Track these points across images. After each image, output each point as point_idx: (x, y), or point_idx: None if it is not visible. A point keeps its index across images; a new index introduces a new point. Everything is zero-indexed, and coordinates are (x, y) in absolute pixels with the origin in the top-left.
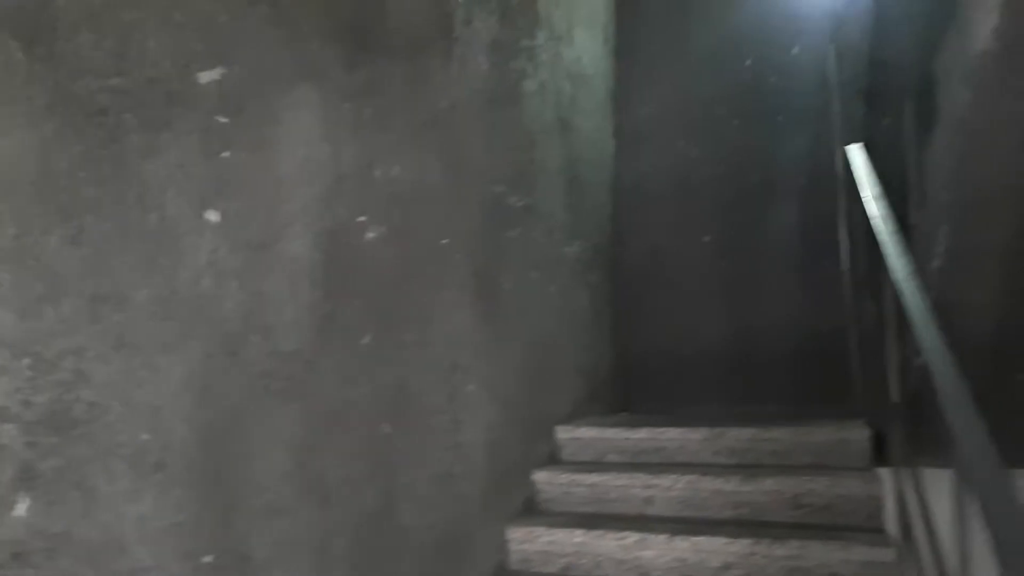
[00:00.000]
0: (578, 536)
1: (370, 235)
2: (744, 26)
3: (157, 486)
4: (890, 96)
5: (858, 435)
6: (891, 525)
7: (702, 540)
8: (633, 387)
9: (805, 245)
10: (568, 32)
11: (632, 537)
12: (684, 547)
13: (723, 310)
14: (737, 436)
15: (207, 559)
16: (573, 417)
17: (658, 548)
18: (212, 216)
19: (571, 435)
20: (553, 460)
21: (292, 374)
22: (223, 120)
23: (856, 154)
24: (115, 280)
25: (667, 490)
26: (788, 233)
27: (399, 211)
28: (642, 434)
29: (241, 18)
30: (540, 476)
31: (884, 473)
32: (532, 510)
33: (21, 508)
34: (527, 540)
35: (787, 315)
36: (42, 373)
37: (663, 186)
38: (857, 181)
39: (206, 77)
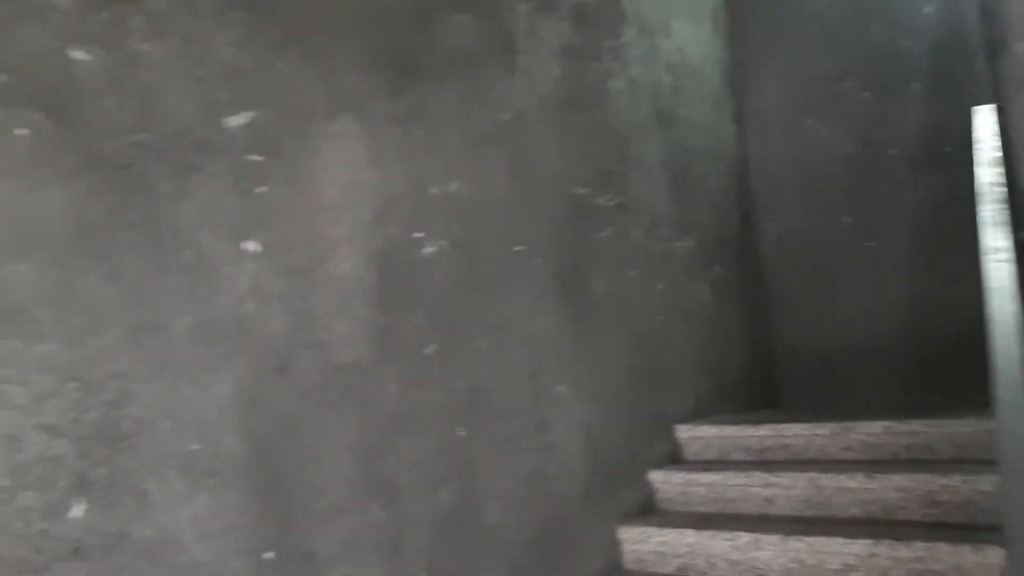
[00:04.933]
0: (689, 536)
1: (428, 250)
2: None
3: (211, 490)
4: None
5: None
6: None
7: (818, 540)
8: (777, 382)
9: (956, 220)
10: (665, 24)
11: (744, 537)
12: (799, 548)
13: (869, 294)
14: (868, 430)
15: (268, 555)
16: (698, 415)
17: (772, 549)
18: (251, 246)
19: (692, 434)
20: (674, 459)
21: (349, 385)
22: (256, 158)
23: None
24: (153, 310)
25: (788, 488)
26: (936, 208)
27: (460, 224)
28: (765, 431)
29: (268, 63)
30: (656, 476)
31: None
32: (649, 510)
33: (77, 510)
34: (639, 540)
35: (939, 297)
36: (88, 394)
37: (792, 169)
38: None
39: (234, 122)
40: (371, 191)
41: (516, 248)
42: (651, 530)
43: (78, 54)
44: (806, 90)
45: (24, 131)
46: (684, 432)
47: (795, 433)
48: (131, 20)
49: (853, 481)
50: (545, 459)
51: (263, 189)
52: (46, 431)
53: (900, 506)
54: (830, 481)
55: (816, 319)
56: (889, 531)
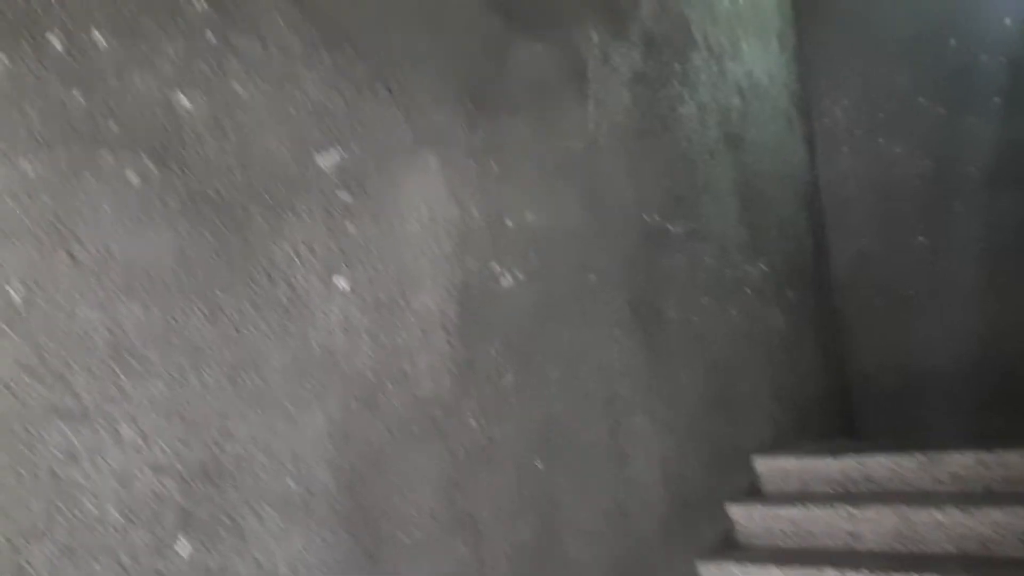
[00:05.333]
0: (773, 572)
1: (504, 281)
2: (942, 2)
3: (304, 525)
4: None
5: None
6: None
7: None
8: (855, 409)
9: None
10: (733, 47)
11: (830, 573)
12: None
13: (947, 317)
14: (959, 461)
15: None
16: (776, 446)
17: None
18: (341, 282)
19: (770, 465)
20: (753, 492)
21: (432, 417)
22: (344, 195)
23: None
24: (250, 348)
25: (875, 522)
26: (1016, 227)
27: (535, 254)
28: (847, 462)
29: (355, 101)
30: (735, 510)
31: None
32: (730, 545)
33: (182, 548)
34: None
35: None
36: (192, 432)
37: (866, 189)
38: None
39: (324, 160)
40: (451, 224)
41: (589, 277)
42: (732, 566)
43: (182, 100)
44: (878, 107)
45: (134, 177)
46: (762, 463)
47: (880, 464)
48: (229, 64)
49: (944, 515)
50: (623, 492)
51: (351, 225)
52: (154, 469)
53: (997, 541)
54: (920, 515)
55: (893, 343)
56: (986, 568)
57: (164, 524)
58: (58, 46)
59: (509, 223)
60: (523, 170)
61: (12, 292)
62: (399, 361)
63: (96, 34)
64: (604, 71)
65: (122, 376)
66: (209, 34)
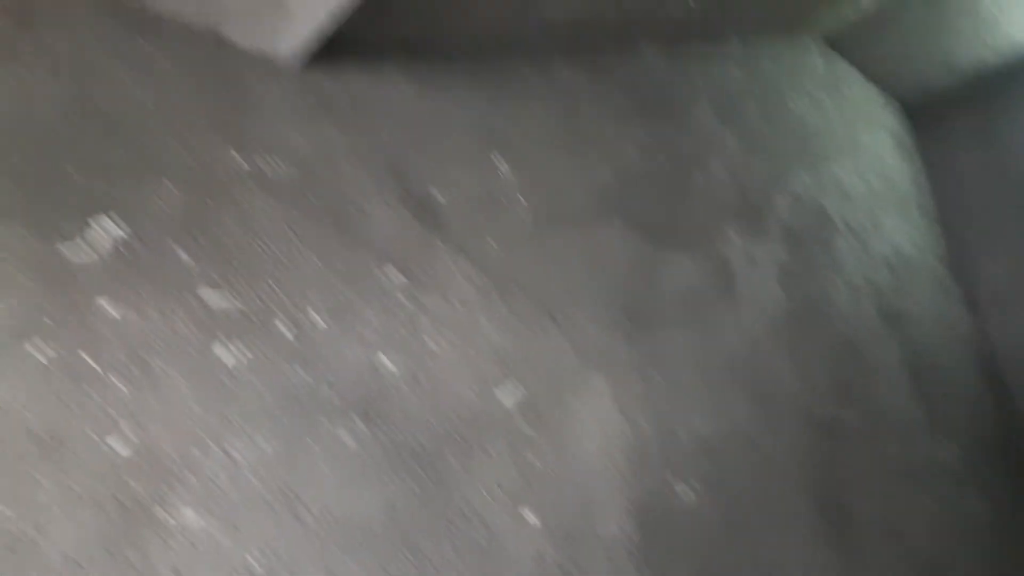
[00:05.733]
0: None
1: (684, 496)
2: None
3: None
4: None
5: None
6: None
7: None
8: None
9: None
10: (874, 224)
11: None
12: None
13: None
14: None
15: None
16: None
17: None
18: (530, 517)
19: None
20: None
21: None
22: (526, 429)
23: None
24: None
25: None
26: None
27: (711, 463)
28: None
29: (528, 338)
30: None
31: None
32: None
33: None
34: None
35: None
36: None
37: None
38: None
39: (506, 396)
40: (624, 442)
41: (768, 482)
42: None
43: (384, 361)
44: None
45: (348, 437)
46: None
47: None
48: (420, 322)
49: None
50: None
51: (534, 457)
52: None
53: None
54: None
55: None
56: None
57: None
58: (285, 331)
59: (680, 433)
60: (687, 378)
61: (253, 562)
62: None
63: (313, 315)
64: (751, 270)
65: None
66: (402, 299)
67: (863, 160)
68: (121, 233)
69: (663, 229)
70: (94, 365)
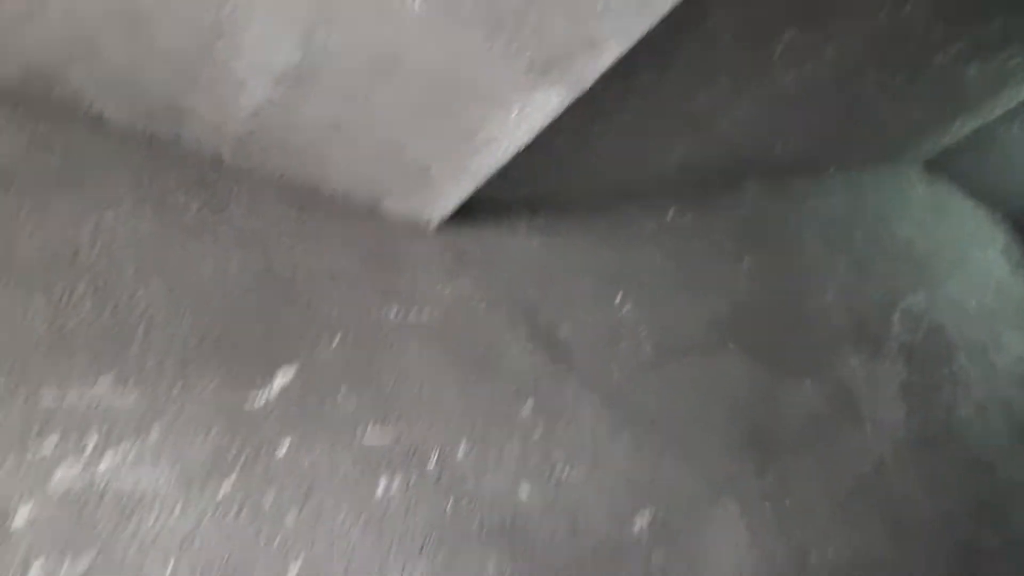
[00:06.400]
0: None
1: None
2: None
3: None
4: None
5: None
6: None
7: None
8: None
9: None
10: (994, 339)
11: None
12: None
13: None
14: None
15: None
16: None
17: None
18: None
19: None
20: None
21: None
22: (658, 556)
23: None
24: None
25: None
26: None
27: None
28: None
29: (655, 466)
30: None
31: None
32: None
33: None
34: None
35: None
36: None
37: None
38: None
39: (637, 524)
40: (757, 570)
41: None
42: None
43: (522, 491)
44: None
45: (491, 567)
46: None
47: None
48: (554, 453)
49: None
50: None
51: None
52: None
53: None
54: None
55: None
56: None
57: None
58: (434, 464)
59: (813, 559)
60: (817, 504)
61: None
62: None
63: (459, 448)
64: (872, 391)
65: None
66: (538, 431)
67: (976, 277)
68: (297, 382)
69: (781, 356)
70: (270, 500)
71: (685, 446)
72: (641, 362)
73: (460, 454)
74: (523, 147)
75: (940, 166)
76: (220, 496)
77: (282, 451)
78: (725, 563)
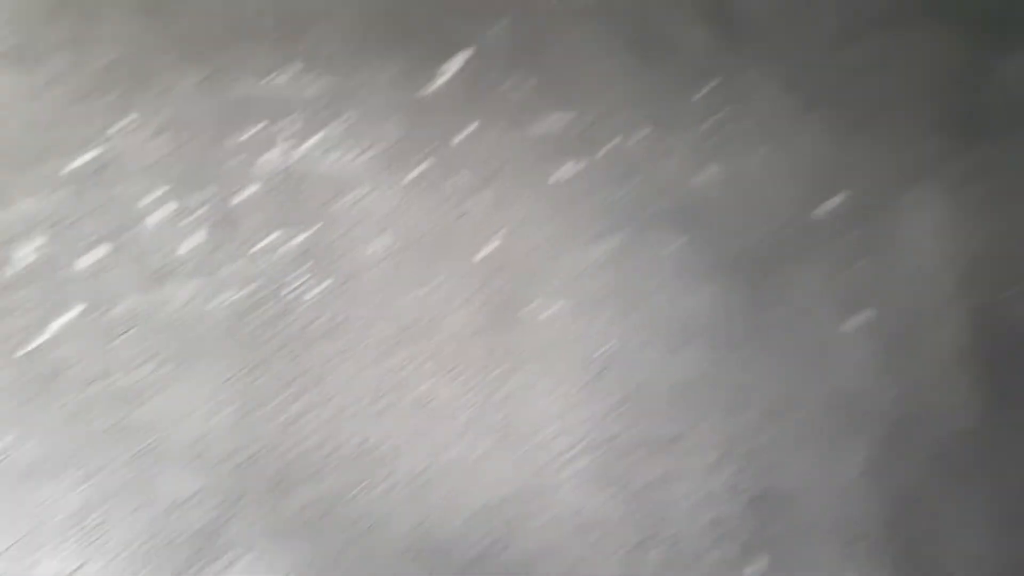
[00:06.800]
0: None
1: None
2: None
3: (854, 560)
4: None
5: None
6: None
7: None
8: None
9: None
10: None
11: None
12: None
13: None
14: None
15: None
16: None
17: None
18: (853, 324)
19: None
20: None
21: (966, 454)
22: (847, 238)
23: None
24: (781, 390)
25: None
26: None
27: None
28: None
29: (844, 149)
30: None
31: None
32: None
33: (748, 571)
34: None
35: None
36: (744, 466)
37: None
38: None
39: (824, 208)
40: (955, 254)
41: None
42: None
43: (705, 171)
44: None
45: (670, 247)
46: None
47: None
48: (734, 139)
49: None
50: None
51: (858, 266)
52: (714, 497)
53: None
54: None
55: None
56: None
57: (733, 553)
58: (609, 147)
59: (1016, 247)
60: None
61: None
62: (922, 398)
63: (634, 133)
64: None
65: (688, 410)
66: (715, 117)
67: None
68: (471, 67)
69: (997, 27)
70: (456, 182)
71: (880, 128)
72: (828, 38)
73: (634, 140)
74: None
75: None
76: (410, 178)
77: (461, 136)
78: (925, 245)
